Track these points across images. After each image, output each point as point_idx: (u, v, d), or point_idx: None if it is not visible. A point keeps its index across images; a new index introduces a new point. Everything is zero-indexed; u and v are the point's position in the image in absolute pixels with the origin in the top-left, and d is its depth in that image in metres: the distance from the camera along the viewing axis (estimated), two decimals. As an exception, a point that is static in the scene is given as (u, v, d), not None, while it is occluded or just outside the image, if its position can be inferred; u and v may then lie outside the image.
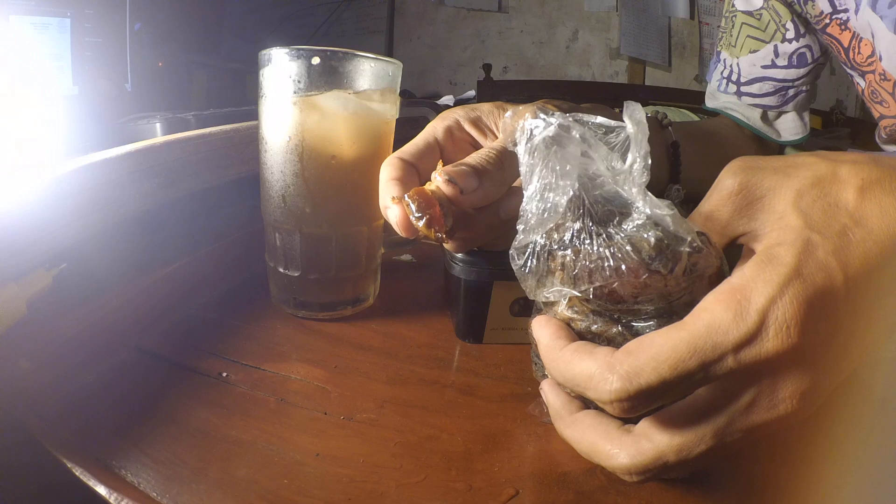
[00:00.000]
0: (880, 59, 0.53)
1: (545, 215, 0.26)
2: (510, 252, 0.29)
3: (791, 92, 0.66)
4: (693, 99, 1.48)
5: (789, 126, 0.69)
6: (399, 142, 0.46)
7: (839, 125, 1.60)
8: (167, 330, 0.41)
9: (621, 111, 0.27)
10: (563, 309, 0.27)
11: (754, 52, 0.63)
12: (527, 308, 0.40)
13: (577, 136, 0.26)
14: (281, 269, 0.43)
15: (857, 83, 0.59)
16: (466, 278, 0.39)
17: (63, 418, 0.30)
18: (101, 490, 0.26)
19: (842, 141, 1.45)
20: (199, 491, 0.26)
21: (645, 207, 0.25)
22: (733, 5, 0.66)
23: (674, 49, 1.85)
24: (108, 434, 0.30)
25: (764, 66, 0.65)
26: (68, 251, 0.35)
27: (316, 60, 0.39)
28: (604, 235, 0.25)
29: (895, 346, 0.26)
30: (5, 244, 0.30)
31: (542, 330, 0.27)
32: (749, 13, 0.64)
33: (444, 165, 0.33)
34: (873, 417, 0.32)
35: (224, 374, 0.36)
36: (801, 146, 0.71)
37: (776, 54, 0.64)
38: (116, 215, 0.38)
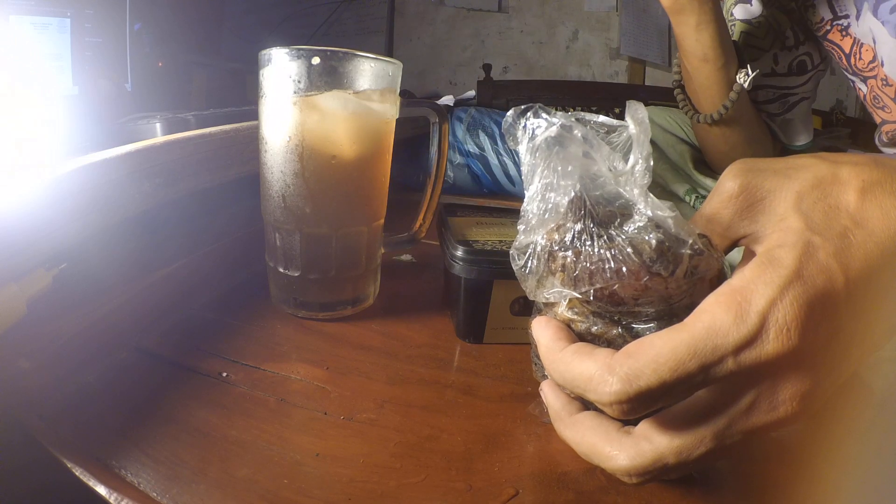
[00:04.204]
0: (882, 65, 0.53)
1: (546, 216, 0.26)
2: (510, 252, 0.29)
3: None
4: (693, 99, 1.47)
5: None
6: (399, 142, 0.46)
7: (839, 125, 1.60)
8: (167, 330, 0.41)
9: (622, 111, 0.27)
10: (563, 310, 0.27)
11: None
12: (527, 307, 0.40)
13: (579, 135, 0.26)
14: (281, 269, 0.43)
15: (859, 88, 0.59)
16: (466, 277, 0.39)
17: (63, 418, 0.30)
18: (101, 490, 0.26)
19: (842, 141, 1.44)
20: (199, 491, 0.26)
21: (646, 209, 0.25)
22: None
23: (674, 49, 1.85)
24: (108, 434, 0.30)
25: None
26: (68, 251, 0.35)
27: (316, 60, 0.39)
28: (605, 237, 0.25)
29: (895, 347, 0.26)
30: (5, 244, 0.30)
31: (542, 331, 0.27)
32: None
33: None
34: (873, 418, 0.32)
35: (224, 374, 0.36)
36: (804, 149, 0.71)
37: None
38: (116, 215, 0.38)
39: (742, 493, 0.29)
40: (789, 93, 0.66)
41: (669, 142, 0.72)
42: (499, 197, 0.96)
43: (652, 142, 0.55)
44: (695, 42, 0.55)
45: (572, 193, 0.26)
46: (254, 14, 1.51)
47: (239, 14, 1.43)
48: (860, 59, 0.57)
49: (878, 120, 0.59)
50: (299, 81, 0.39)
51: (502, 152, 0.97)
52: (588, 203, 0.26)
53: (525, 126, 0.28)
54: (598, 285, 0.25)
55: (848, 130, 1.54)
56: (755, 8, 0.64)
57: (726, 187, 0.26)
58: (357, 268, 0.44)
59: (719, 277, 0.26)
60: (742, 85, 0.57)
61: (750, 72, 0.57)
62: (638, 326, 0.26)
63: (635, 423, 0.25)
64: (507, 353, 0.41)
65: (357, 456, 0.29)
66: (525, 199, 0.28)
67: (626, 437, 0.25)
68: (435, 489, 0.27)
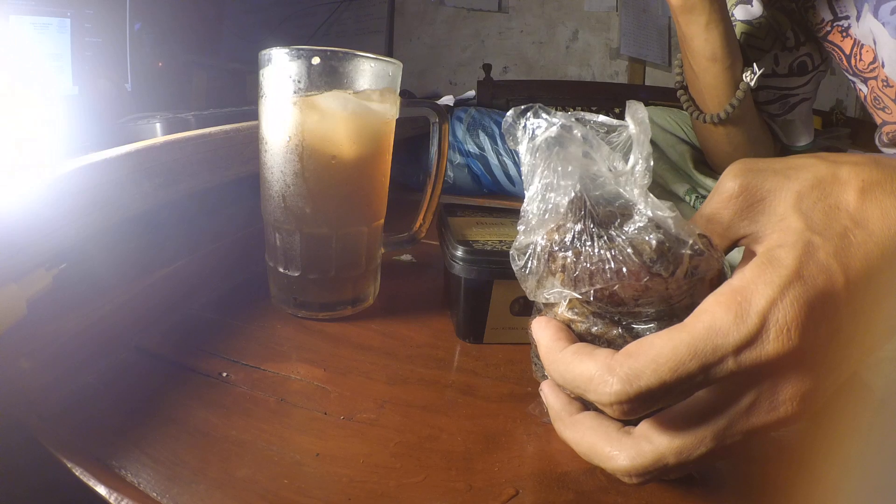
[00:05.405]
0: (882, 66, 0.53)
1: (546, 216, 0.26)
2: (510, 252, 0.29)
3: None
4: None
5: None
6: (399, 142, 0.46)
7: (839, 125, 1.60)
8: (167, 330, 0.41)
9: (622, 111, 0.27)
10: (563, 310, 0.27)
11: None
12: (527, 307, 0.40)
13: (579, 135, 0.26)
14: (281, 269, 0.43)
15: (860, 89, 0.59)
16: (466, 277, 0.39)
17: (63, 418, 0.30)
18: (101, 490, 0.26)
19: (842, 141, 1.44)
20: (199, 491, 0.26)
21: (646, 209, 0.25)
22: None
23: (674, 49, 1.85)
24: (108, 434, 0.30)
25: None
26: (68, 251, 0.35)
27: (316, 60, 0.39)
28: (605, 237, 0.25)
29: (895, 347, 0.26)
30: (5, 244, 0.30)
31: (542, 331, 0.27)
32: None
33: None
34: (873, 418, 0.32)
35: (224, 374, 0.36)
36: (805, 150, 0.71)
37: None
38: (116, 215, 0.38)
39: (742, 493, 0.29)
40: (790, 94, 0.66)
41: (669, 142, 0.72)
42: (499, 197, 0.96)
43: (652, 142, 0.55)
44: (704, 42, 0.55)
45: (572, 194, 0.26)
46: (254, 14, 1.51)
47: (239, 14, 1.43)
48: (860, 60, 0.56)
49: (878, 121, 0.59)
50: (299, 81, 0.39)
51: (502, 152, 0.97)
52: (588, 203, 0.26)
53: (525, 126, 0.28)
54: (598, 286, 0.25)
55: (848, 130, 1.54)
56: (756, 9, 0.64)
57: (726, 187, 0.26)
58: (357, 268, 0.44)
59: (719, 277, 0.26)
60: (749, 84, 0.57)
61: (756, 70, 0.57)
62: (638, 327, 0.26)
63: (635, 423, 0.25)
64: (507, 353, 0.41)
65: (357, 456, 0.29)
66: (525, 200, 0.28)
67: (626, 437, 0.25)
68: (435, 489, 0.27)
